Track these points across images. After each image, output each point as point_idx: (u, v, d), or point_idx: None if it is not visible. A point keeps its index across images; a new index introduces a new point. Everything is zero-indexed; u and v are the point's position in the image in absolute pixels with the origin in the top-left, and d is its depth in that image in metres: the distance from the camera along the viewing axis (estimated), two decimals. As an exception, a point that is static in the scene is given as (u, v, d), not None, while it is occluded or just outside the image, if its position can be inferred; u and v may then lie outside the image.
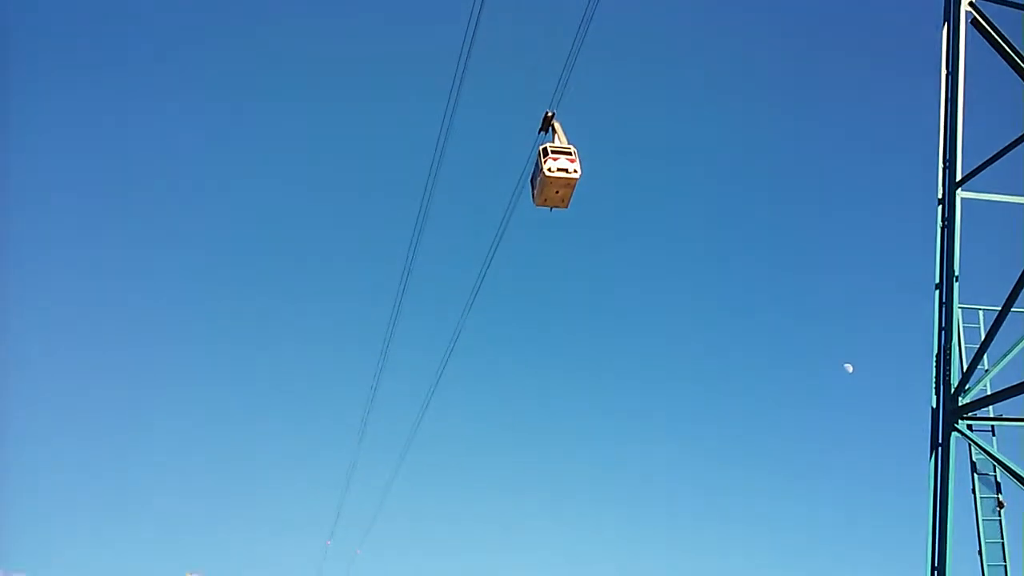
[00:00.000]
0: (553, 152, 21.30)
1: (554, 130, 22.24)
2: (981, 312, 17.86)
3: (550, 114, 22.30)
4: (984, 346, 16.42)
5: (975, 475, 17.43)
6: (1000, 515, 17.38)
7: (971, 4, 18.03)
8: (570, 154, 21.30)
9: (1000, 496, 17.52)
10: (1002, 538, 17.08)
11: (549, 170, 20.95)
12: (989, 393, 16.31)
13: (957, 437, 16.12)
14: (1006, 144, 17.20)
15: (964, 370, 16.65)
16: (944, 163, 18.02)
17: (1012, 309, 15.93)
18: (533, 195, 22.33)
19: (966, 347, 17.33)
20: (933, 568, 15.06)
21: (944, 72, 18.29)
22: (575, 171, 21.07)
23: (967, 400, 16.24)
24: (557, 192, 21.46)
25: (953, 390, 16.42)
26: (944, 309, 17.08)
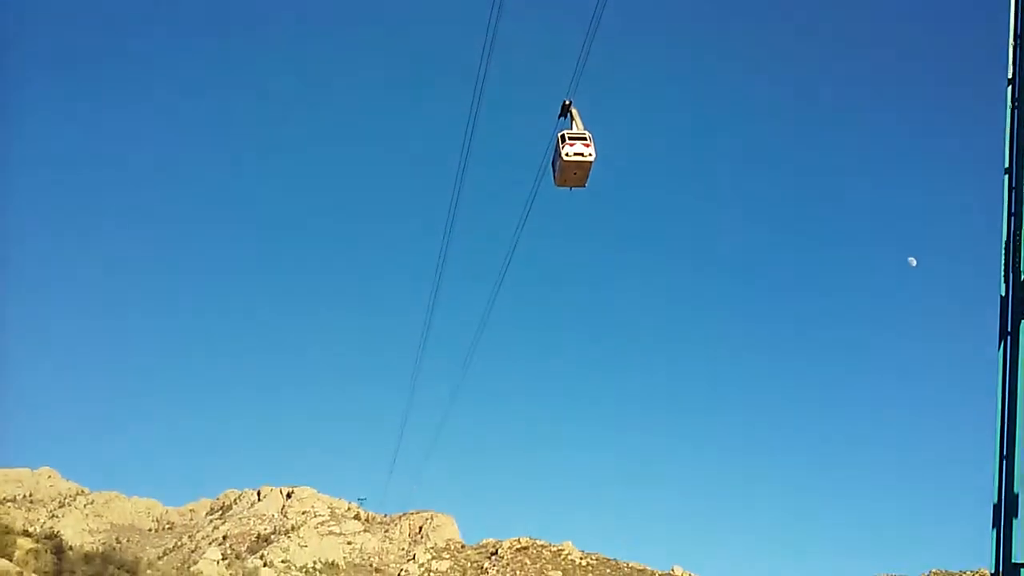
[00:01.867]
0: (570, 138, 23.13)
1: (572, 116, 23.94)
2: (1053, 196, 17.14)
3: (567, 102, 24.00)
4: (1055, 231, 15.89)
5: (1046, 364, 17.14)
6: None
7: None
8: (585, 139, 23.07)
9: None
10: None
11: (567, 155, 22.88)
12: (1060, 279, 15.88)
13: (1027, 325, 15.82)
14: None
15: (1034, 256, 16.15)
16: (1015, 39, 16.99)
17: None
18: (554, 177, 24.15)
19: (1037, 233, 16.71)
20: (1001, 458, 15.04)
21: (1016, -62, 17.08)
22: (590, 155, 22.93)
23: (1037, 287, 15.85)
24: (575, 174, 23.38)
25: (1023, 277, 16.01)
26: (1014, 194, 16.44)
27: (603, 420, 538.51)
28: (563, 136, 23.30)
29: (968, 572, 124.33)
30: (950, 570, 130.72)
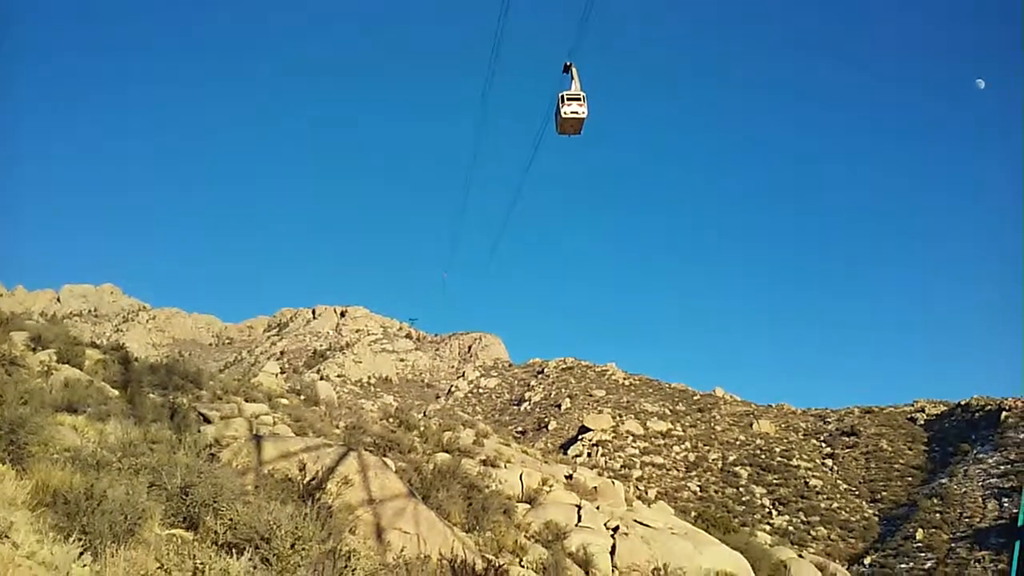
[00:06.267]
0: (568, 99, 27.92)
1: (572, 75, 28.17)
2: None
3: (569, 63, 28.30)
4: None
5: None
6: None
7: None
8: (579, 99, 27.96)
9: None
10: None
11: (565, 113, 27.78)
12: None
13: None
14: None
15: None
16: None
17: None
18: (556, 127, 28.66)
19: None
20: None
21: None
22: (584, 112, 27.86)
23: None
24: (572, 127, 28.30)
25: None
26: None
27: (649, 245, 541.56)
28: (563, 97, 27.97)
29: (1010, 399, 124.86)
30: (990, 396, 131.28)
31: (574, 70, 28.31)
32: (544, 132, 30.90)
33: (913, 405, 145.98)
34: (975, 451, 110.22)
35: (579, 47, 29.29)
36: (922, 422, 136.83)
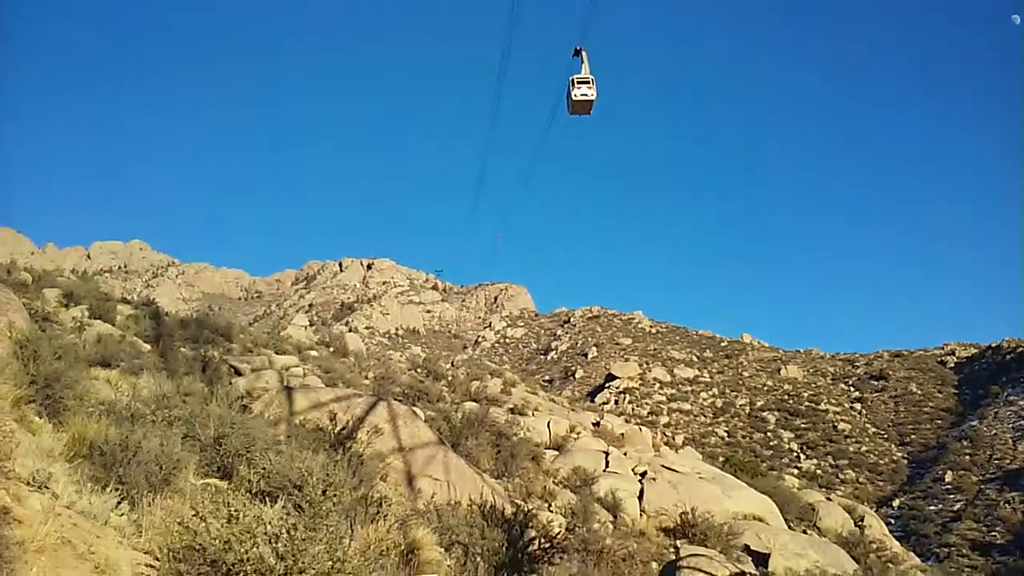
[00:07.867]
0: (578, 81, 28.92)
1: (582, 59, 29.25)
2: None
3: (579, 48, 29.42)
4: None
5: None
6: None
7: None
8: (589, 82, 28.95)
9: None
10: None
11: (575, 95, 28.69)
12: None
13: None
14: None
15: None
16: None
17: None
18: (567, 107, 29.63)
19: None
20: None
21: None
22: (593, 95, 28.86)
23: None
24: (582, 108, 29.18)
25: None
26: None
27: (675, 194, 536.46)
28: (573, 80, 28.92)
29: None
30: (1021, 338, 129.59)
31: (584, 54, 29.54)
32: (557, 112, 32.00)
33: (943, 348, 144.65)
34: (1006, 393, 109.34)
35: (587, 32, 29.52)
36: (952, 365, 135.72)
